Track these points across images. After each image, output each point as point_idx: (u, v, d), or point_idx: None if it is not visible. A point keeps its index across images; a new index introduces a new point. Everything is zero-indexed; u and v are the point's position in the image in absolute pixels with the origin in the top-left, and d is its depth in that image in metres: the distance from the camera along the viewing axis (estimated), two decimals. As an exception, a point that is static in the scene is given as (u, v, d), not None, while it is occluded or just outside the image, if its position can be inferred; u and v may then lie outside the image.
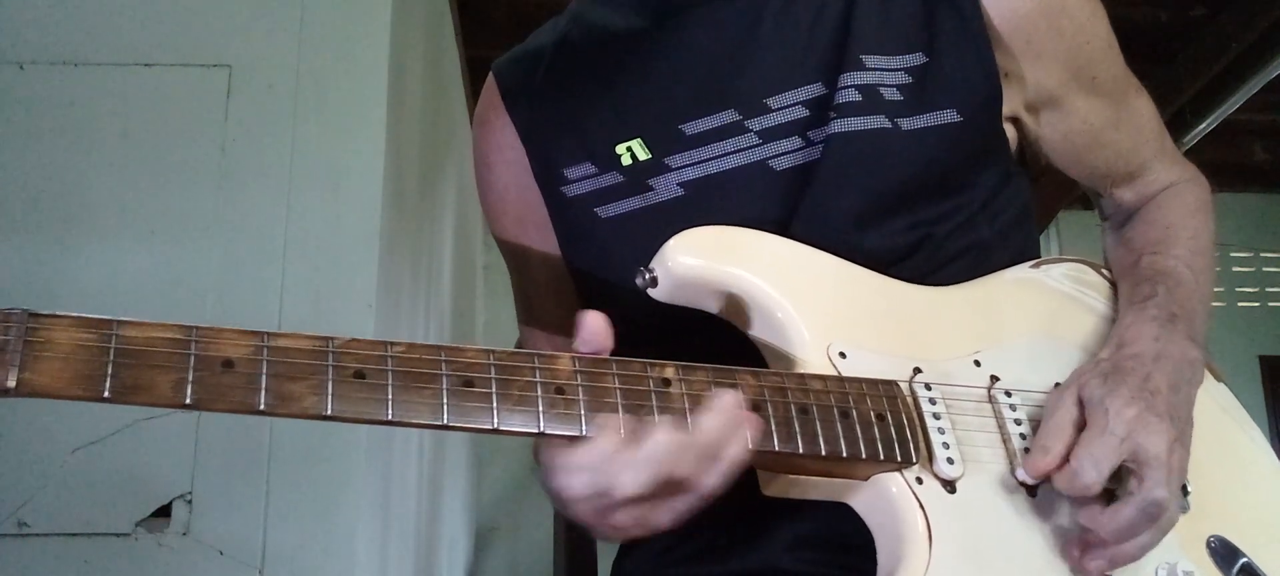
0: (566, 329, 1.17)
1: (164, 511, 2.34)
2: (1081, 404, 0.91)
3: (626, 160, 1.07)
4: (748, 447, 0.80)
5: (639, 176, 1.06)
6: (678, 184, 1.05)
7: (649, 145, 1.07)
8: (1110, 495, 0.89)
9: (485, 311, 6.07)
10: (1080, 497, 0.88)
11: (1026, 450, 0.92)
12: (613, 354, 0.83)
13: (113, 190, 2.48)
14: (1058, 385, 0.97)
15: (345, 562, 2.38)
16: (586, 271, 1.12)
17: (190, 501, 2.35)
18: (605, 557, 1.27)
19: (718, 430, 0.79)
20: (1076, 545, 0.90)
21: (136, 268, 2.45)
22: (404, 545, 3.23)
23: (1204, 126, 4.94)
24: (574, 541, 1.48)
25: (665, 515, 0.80)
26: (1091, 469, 0.86)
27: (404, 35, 2.97)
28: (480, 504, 6.37)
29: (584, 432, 0.78)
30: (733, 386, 0.83)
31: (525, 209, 1.15)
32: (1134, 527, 0.87)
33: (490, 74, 1.20)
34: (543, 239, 1.15)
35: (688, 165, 1.05)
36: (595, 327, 0.82)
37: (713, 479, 0.79)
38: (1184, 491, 0.97)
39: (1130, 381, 0.92)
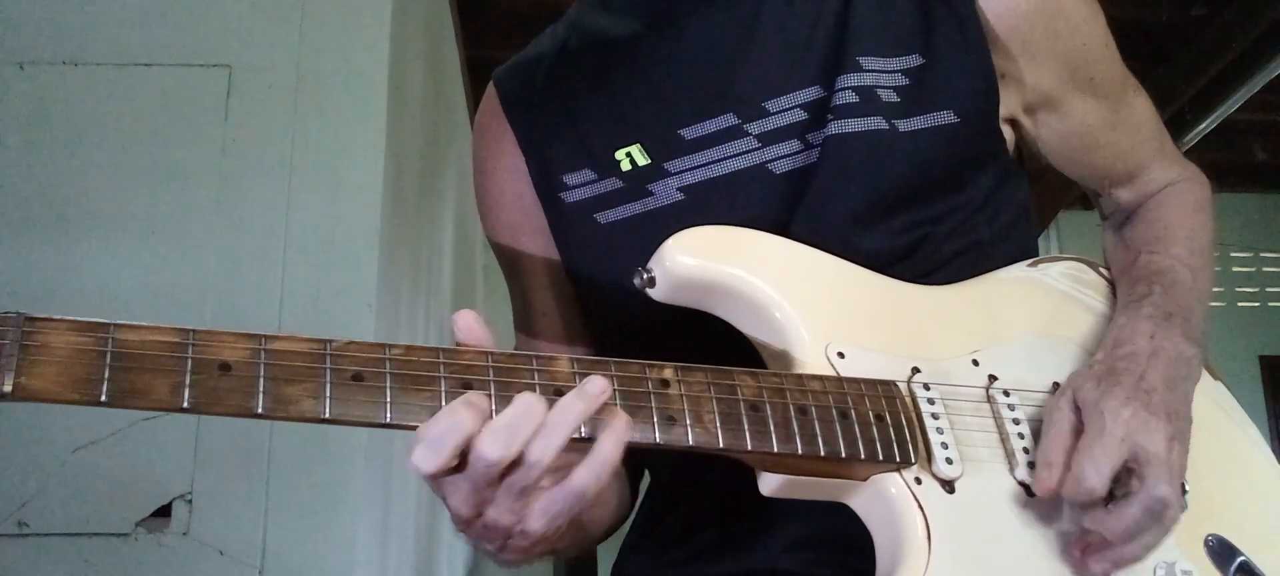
0: (564, 336, 1.17)
1: (164, 511, 2.34)
2: (1078, 409, 0.91)
3: (626, 166, 1.07)
4: (619, 442, 0.77)
5: (638, 182, 1.06)
6: (677, 189, 1.05)
7: (648, 150, 1.07)
8: (1110, 495, 0.89)
9: (485, 312, 6.02)
10: (1085, 502, 0.88)
11: (1025, 449, 0.92)
12: (613, 357, 0.83)
13: (113, 190, 2.49)
14: (1056, 384, 0.97)
15: (345, 562, 2.39)
16: (586, 277, 1.12)
17: (190, 501, 2.35)
18: (605, 558, 1.27)
19: (579, 412, 0.76)
20: (1077, 545, 0.90)
21: (136, 267, 2.45)
22: (404, 545, 3.23)
23: (1204, 126, 4.94)
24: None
25: (538, 518, 0.77)
26: (1093, 474, 0.86)
27: (404, 35, 2.97)
28: (480, 503, 6.35)
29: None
30: (607, 375, 0.79)
31: (522, 216, 1.15)
32: (1139, 527, 0.87)
33: (490, 82, 1.20)
34: (539, 246, 1.15)
35: (687, 170, 1.05)
36: (469, 325, 0.80)
37: (583, 474, 0.76)
38: (1182, 490, 0.97)
39: (1125, 381, 0.92)
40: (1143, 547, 0.88)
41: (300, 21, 2.67)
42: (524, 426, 0.74)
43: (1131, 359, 0.95)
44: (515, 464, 0.75)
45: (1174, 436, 0.90)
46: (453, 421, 0.73)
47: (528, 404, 0.75)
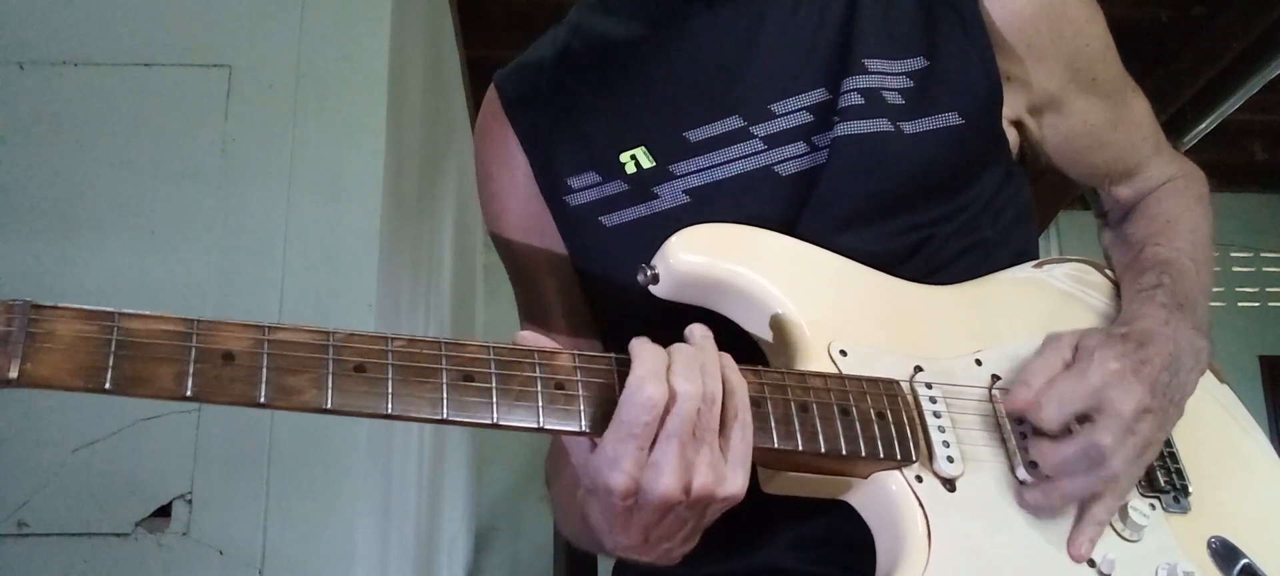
0: (575, 328, 1.17)
1: (164, 511, 2.34)
2: (1077, 350, 0.93)
3: (631, 169, 1.07)
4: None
5: (644, 184, 1.06)
6: (683, 191, 1.05)
7: (653, 153, 1.07)
8: None
9: (485, 311, 6.07)
10: (1040, 430, 0.90)
11: (1026, 450, 0.92)
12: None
13: (113, 190, 2.48)
14: None
15: (345, 562, 2.38)
16: (591, 277, 1.12)
17: (190, 501, 2.35)
18: (605, 557, 1.27)
19: (712, 341, 0.82)
20: (1072, 541, 0.91)
21: (136, 267, 2.45)
22: (404, 545, 3.23)
23: (1204, 126, 4.94)
24: (574, 541, 1.48)
25: (737, 470, 0.81)
26: (1054, 405, 0.89)
27: (404, 35, 2.97)
28: (480, 504, 6.37)
29: (583, 428, 0.78)
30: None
31: (528, 218, 1.15)
32: (1072, 465, 0.88)
33: (492, 85, 1.19)
34: (546, 248, 1.15)
35: (692, 172, 1.05)
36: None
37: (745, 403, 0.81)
38: (1185, 491, 0.97)
39: (1128, 346, 0.93)
40: (1074, 489, 0.89)
41: (300, 21, 2.66)
42: (694, 363, 0.78)
43: (1144, 334, 0.96)
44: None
45: (1150, 409, 0.91)
46: (651, 352, 0.78)
47: (685, 349, 0.79)
